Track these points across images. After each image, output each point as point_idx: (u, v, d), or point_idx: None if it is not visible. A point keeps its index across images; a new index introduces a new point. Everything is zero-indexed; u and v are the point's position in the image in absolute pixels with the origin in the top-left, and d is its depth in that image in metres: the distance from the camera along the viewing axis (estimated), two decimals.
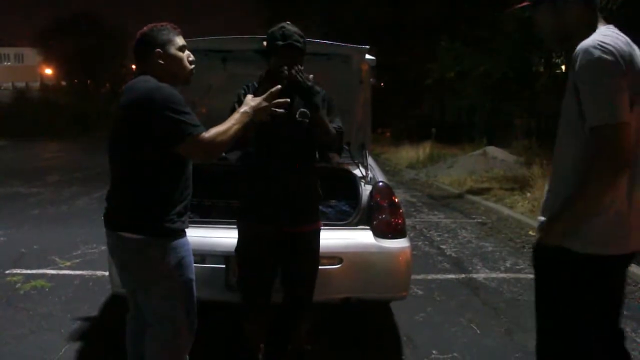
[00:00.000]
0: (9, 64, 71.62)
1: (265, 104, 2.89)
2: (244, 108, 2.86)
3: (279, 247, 3.33)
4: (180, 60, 2.87)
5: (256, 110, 2.87)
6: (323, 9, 29.91)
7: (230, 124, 2.75)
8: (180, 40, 2.87)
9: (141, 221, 2.72)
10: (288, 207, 3.29)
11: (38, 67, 62.82)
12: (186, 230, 2.87)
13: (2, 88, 52.48)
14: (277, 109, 2.92)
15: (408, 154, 19.97)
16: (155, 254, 2.73)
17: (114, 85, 47.66)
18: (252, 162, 3.32)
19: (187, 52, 2.91)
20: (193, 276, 2.90)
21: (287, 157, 3.28)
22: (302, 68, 3.19)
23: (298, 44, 3.16)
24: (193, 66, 2.95)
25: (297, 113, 3.22)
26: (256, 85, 3.28)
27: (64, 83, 54.49)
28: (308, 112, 3.22)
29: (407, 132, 25.85)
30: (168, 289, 2.80)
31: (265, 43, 3.26)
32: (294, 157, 3.31)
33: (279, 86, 2.93)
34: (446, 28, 21.30)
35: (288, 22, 3.27)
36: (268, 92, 2.91)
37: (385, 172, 4.80)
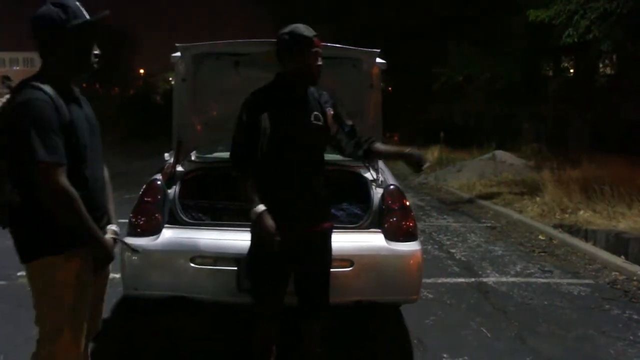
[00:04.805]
0: (18, 68, 71.83)
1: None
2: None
3: (294, 248, 3.32)
4: None
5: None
6: (331, 13, 29.91)
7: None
8: None
9: None
10: (304, 207, 3.31)
11: None
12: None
13: None
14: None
15: None
16: None
17: (123, 89, 47.76)
18: (266, 165, 3.31)
19: None
20: None
21: (301, 159, 3.30)
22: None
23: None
24: None
25: (312, 116, 3.29)
26: (260, 97, 3.31)
27: None
28: (320, 115, 3.31)
29: (415, 136, 25.86)
30: None
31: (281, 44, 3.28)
32: (307, 159, 3.34)
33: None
34: (455, 31, 21.28)
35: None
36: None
37: (394, 176, 4.80)
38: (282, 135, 3.22)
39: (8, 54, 72.49)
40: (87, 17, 2.58)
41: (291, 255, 3.34)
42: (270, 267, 3.35)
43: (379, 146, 3.50)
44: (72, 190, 2.45)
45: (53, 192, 2.43)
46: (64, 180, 2.43)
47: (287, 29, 3.25)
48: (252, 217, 3.16)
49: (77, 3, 2.59)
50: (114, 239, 2.76)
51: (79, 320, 2.69)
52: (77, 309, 2.67)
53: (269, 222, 3.13)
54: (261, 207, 3.14)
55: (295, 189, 3.29)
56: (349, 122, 3.47)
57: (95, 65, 2.67)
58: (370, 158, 3.60)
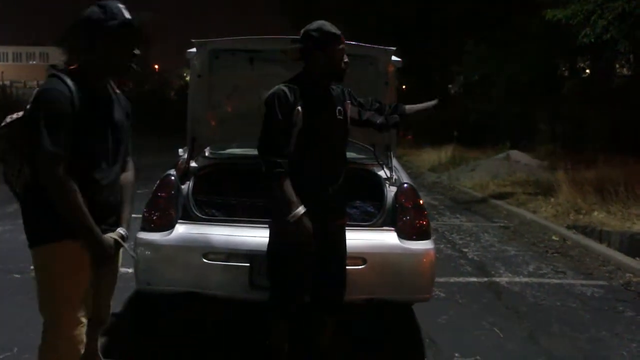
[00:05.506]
0: (34, 62, 72.34)
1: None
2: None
3: (316, 241, 3.31)
4: None
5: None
6: (347, 10, 29.86)
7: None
8: None
9: None
10: (329, 201, 3.36)
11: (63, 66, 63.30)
12: None
13: (28, 87, 53.12)
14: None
15: (430, 156, 19.91)
16: None
17: (137, 84, 47.78)
18: (292, 159, 3.30)
19: None
20: None
21: (328, 153, 3.36)
22: None
23: None
24: None
25: (336, 111, 3.38)
26: (291, 92, 3.28)
27: None
28: (342, 109, 3.44)
29: (429, 135, 25.76)
30: None
31: (308, 40, 3.31)
32: (334, 154, 3.41)
33: None
34: (472, 30, 21.18)
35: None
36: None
37: (407, 174, 4.80)
38: (312, 130, 3.26)
39: (25, 48, 72.99)
40: (127, 17, 2.60)
41: (313, 249, 3.33)
42: (299, 266, 3.37)
43: (410, 106, 3.74)
44: (70, 183, 2.49)
45: (51, 181, 2.49)
46: (62, 172, 2.48)
47: (315, 26, 3.30)
48: (292, 219, 3.16)
49: (120, 5, 2.61)
50: (116, 241, 2.73)
51: (76, 312, 2.67)
52: (72, 300, 2.66)
53: (309, 224, 3.17)
54: (302, 209, 3.16)
55: (323, 183, 3.34)
56: (371, 100, 3.67)
57: (133, 66, 2.68)
58: (405, 119, 3.79)
